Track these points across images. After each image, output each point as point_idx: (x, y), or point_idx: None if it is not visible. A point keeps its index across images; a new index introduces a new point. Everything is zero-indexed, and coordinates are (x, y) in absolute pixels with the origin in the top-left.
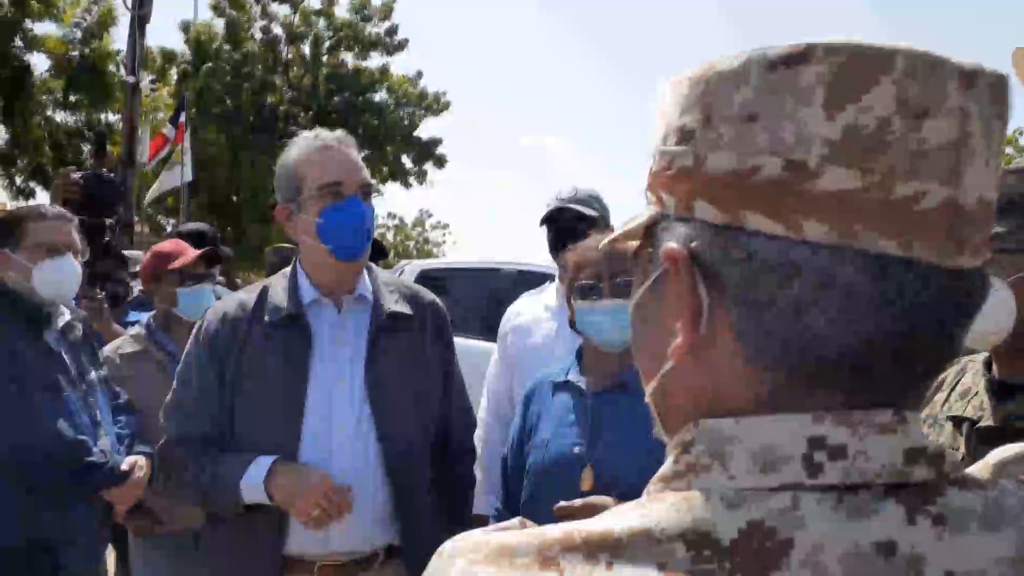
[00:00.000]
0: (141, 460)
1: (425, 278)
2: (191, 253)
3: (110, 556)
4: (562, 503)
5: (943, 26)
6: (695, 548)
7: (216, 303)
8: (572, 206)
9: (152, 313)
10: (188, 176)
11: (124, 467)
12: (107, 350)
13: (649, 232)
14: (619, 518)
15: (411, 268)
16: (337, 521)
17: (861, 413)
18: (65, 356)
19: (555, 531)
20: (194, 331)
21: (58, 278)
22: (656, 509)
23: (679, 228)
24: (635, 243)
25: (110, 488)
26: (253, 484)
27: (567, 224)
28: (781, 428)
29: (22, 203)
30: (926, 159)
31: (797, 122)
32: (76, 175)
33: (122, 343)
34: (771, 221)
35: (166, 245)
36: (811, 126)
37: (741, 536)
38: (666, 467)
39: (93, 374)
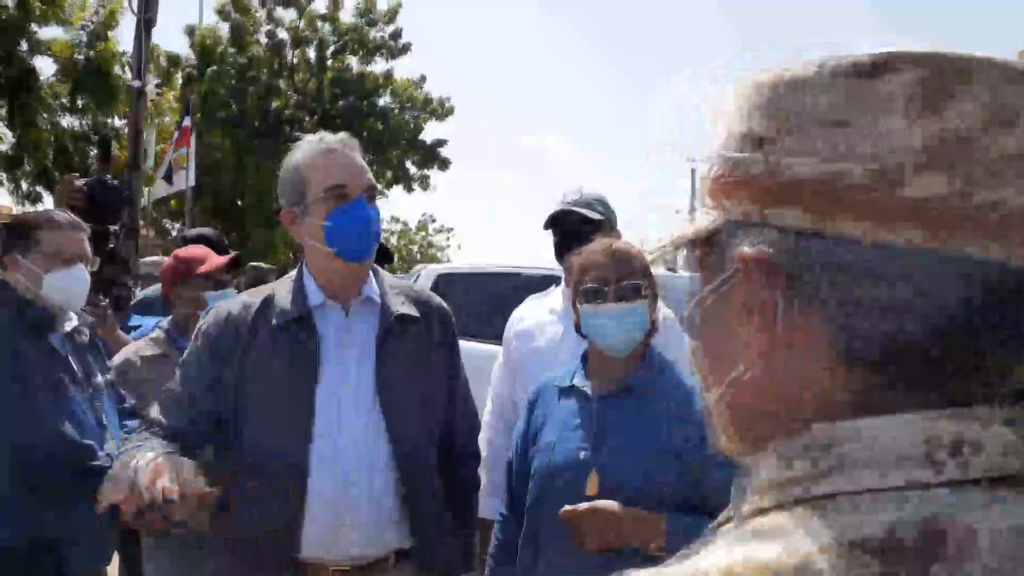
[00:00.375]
0: None
1: (443, 282)
2: (218, 259)
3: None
4: (567, 507)
5: (944, 26)
6: (869, 554)
7: (218, 304)
8: (577, 209)
9: (170, 317)
10: (191, 181)
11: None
12: (127, 352)
13: (709, 237)
14: (753, 546)
15: (427, 272)
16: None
17: (967, 410)
18: (71, 359)
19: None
20: (196, 331)
21: (68, 287)
22: (789, 524)
23: (752, 233)
24: (651, 246)
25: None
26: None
27: (572, 227)
28: (897, 428)
29: (28, 208)
30: (1011, 165)
31: (883, 129)
32: (80, 182)
33: (142, 346)
34: (858, 226)
35: (191, 250)
36: (898, 133)
37: (890, 536)
38: (773, 474)
39: (100, 378)
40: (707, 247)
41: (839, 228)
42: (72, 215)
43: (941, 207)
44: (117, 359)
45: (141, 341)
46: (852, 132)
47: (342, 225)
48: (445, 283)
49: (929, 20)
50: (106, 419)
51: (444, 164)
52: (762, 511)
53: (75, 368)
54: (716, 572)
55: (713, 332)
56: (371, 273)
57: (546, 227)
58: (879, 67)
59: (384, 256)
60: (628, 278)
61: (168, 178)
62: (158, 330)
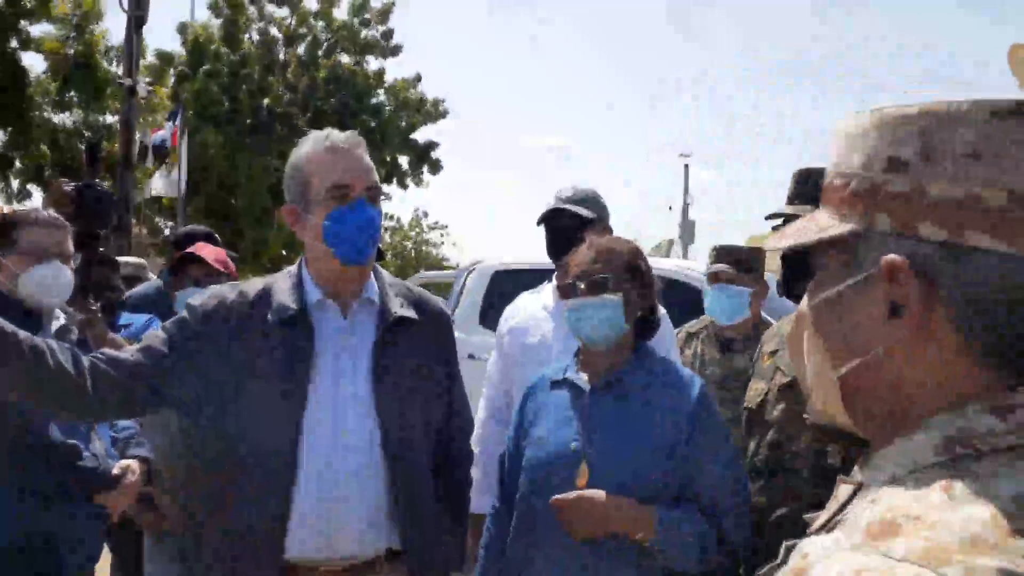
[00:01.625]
0: (134, 464)
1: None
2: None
3: (105, 559)
4: (557, 496)
5: (945, 27)
6: None
7: (213, 288)
8: (568, 207)
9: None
10: (183, 179)
11: (116, 471)
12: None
13: (838, 241)
14: (983, 484)
15: (482, 268)
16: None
17: None
18: None
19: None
20: (187, 308)
21: (45, 284)
22: (995, 468)
23: (894, 241)
24: (783, 243)
25: (101, 492)
26: None
27: (563, 225)
28: None
29: (18, 207)
30: None
31: (1019, 161)
32: (69, 187)
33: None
34: (995, 240)
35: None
36: None
37: None
38: (947, 433)
39: None
40: (837, 250)
41: (975, 241)
42: (54, 213)
43: None
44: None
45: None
46: (990, 162)
47: (342, 226)
48: (500, 280)
49: (940, 20)
50: None
51: (436, 166)
52: (938, 466)
53: None
54: (990, 512)
55: (844, 321)
56: (371, 273)
57: (538, 224)
58: (1017, 111)
59: (377, 254)
60: (600, 272)
61: (159, 157)
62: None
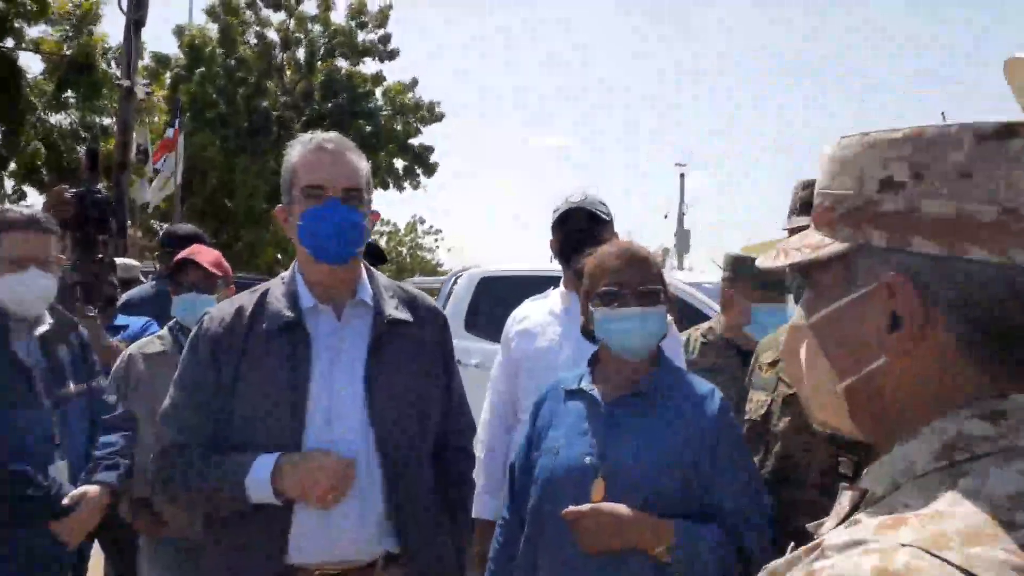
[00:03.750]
0: (92, 491)
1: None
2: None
3: (98, 558)
4: (571, 508)
5: (945, 27)
6: None
7: (212, 309)
8: (586, 207)
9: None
10: (178, 181)
11: (66, 501)
12: (131, 350)
13: (834, 259)
14: (986, 479)
15: (469, 274)
16: (340, 498)
17: None
18: (35, 369)
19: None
20: (191, 336)
21: (20, 293)
22: (992, 467)
23: (891, 256)
24: (781, 263)
25: (55, 519)
26: (259, 480)
27: (578, 225)
28: None
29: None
30: None
31: (1008, 179)
32: (69, 193)
33: (147, 343)
34: (987, 252)
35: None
36: (1021, 183)
37: None
38: (946, 438)
39: (72, 387)
40: (833, 267)
41: (968, 253)
42: (34, 213)
43: None
44: (124, 355)
45: (146, 339)
46: (980, 181)
47: (314, 224)
48: (486, 286)
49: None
50: (63, 435)
51: (431, 169)
52: (937, 470)
53: (35, 378)
54: (989, 508)
55: (846, 335)
56: (365, 275)
57: (554, 225)
58: (1005, 133)
59: (376, 257)
60: (647, 282)
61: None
62: (165, 329)
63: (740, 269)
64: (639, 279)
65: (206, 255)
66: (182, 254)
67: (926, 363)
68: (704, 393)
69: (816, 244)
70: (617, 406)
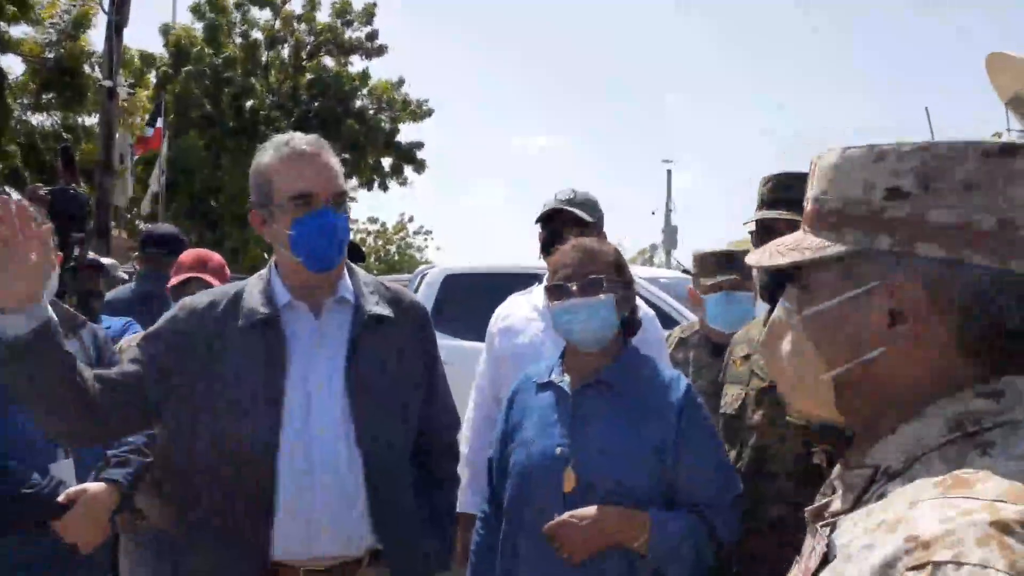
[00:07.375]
0: (93, 489)
1: (450, 283)
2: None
3: None
4: (547, 525)
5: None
6: None
7: (186, 299)
8: (570, 208)
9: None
10: (162, 182)
11: (61, 499)
12: (122, 343)
13: (834, 259)
14: (991, 456)
15: (435, 272)
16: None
17: None
18: None
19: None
20: (164, 317)
21: None
22: (1001, 438)
23: (894, 259)
24: (784, 261)
25: (55, 519)
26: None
27: (560, 226)
28: None
29: None
30: None
31: (1008, 193)
32: (43, 191)
33: (127, 344)
34: (986, 258)
35: (201, 253)
36: (1019, 197)
37: None
38: (951, 415)
39: None
40: (832, 266)
41: (970, 259)
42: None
43: None
44: (123, 343)
45: (141, 333)
46: (982, 194)
47: (307, 234)
48: (451, 283)
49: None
50: None
51: (420, 166)
52: (951, 442)
53: None
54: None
55: (841, 328)
56: (346, 272)
57: (537, 222)
58: (1007, 151)
59: (356, 254)
60: (592, 273)
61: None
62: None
63: (697, 266)
64: (585, 271)
65: (211, 269)
66: (185, 266)
67: (924, 354)
68: (669, 379)
69: (817, 246)
70: (583, 395)
